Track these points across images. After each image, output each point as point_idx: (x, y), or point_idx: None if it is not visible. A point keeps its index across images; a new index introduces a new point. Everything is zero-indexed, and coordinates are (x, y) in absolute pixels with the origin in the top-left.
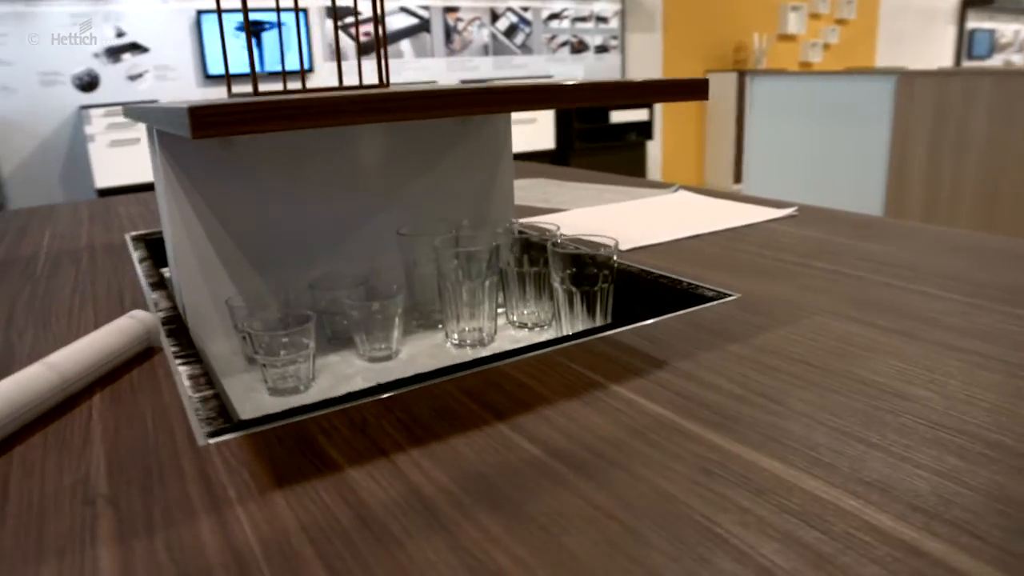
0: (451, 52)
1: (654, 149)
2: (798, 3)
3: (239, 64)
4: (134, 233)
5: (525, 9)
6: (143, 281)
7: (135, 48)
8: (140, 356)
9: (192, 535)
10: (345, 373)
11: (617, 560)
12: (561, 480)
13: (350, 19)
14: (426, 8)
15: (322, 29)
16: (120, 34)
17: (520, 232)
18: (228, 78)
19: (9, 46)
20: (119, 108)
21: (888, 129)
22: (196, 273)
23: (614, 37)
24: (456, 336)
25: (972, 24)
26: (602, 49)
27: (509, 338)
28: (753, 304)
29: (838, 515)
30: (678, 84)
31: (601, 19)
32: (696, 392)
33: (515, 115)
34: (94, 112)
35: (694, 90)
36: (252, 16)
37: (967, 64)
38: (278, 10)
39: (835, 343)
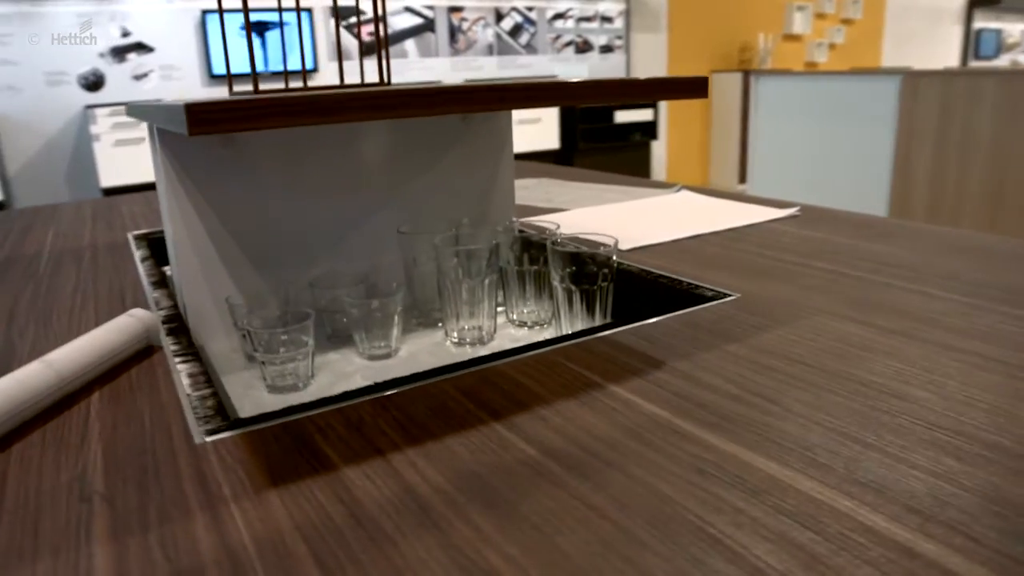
0: (455, 52)
1: (659, 149)
2: (804, 3)
3: (244, 63)
4: (136, 232)
5: (530, 9)
6: (144, 280)
7: (140, 48)
8: (140, 354)
9: (186, 533)
10: (344, 371)
11: (610, 560)
12: (555, 480)
13: (355, 19)
14: (431, 8)
15: (326, 29)
16: (125, 34)
17: (520, 231)
18: (229, 77)
19: (15, 46)
20: (124, 108)
21: (893, 129)
22: (196, 271)
23: (619, 37)
24: (456, 334)
25: (979, 24)
26: (607, 49)
27: (509, 336)
28: (752, 304)
29: (833, 516)
30: (677, 82)
31: (606, 19)
32: (693, 392)
33: (519, 115)
34: (99, 112)
35: (693, 88)
36: (257, 16)
37: (974, 64)
38: (280, 10)
39: (834, 343)
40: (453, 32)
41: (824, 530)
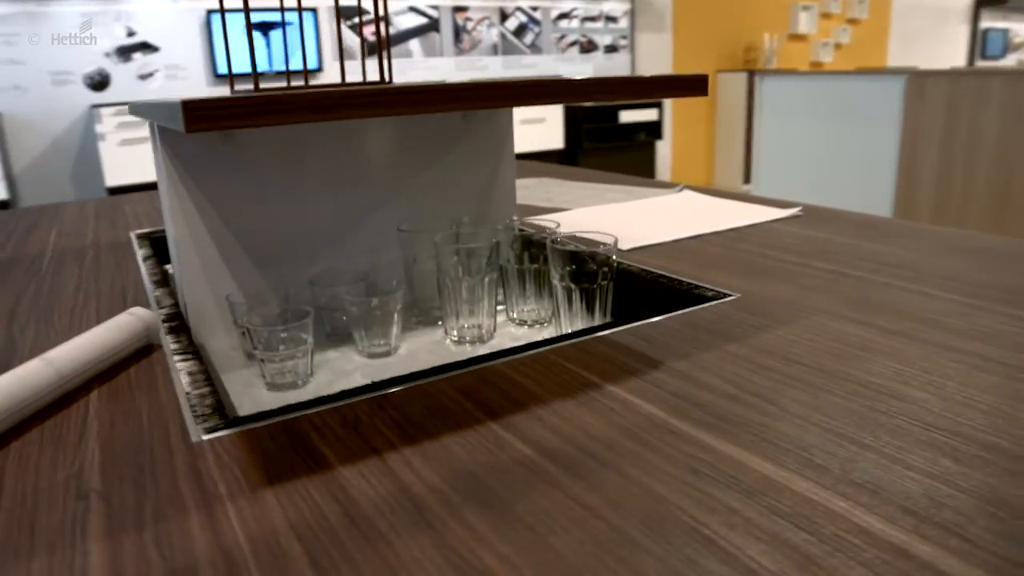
0: (460, 52)
1: (664, 149)
2: (809, 3)
3: (248, 63)
4: (139, 231)
5: (534, 9)
6: (146, 278)
7: (145, 47)
8: (139, 353)
9: (182, 531)
10: (344, 369)
11: (603, 560)
12: (551, 479)
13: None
14: (435, 8)
15: (330, 28)
16: (131, 33)
17: (520, 230)
18: (231, 76)
19: (21, 46)
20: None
21: (898, 129)
22: (197, 269)
23: (623, 37)
24: (456, 333)
25: (986, 24)
26: (611, 49)
27: (509, 335)
28: (752, 304)
29: (827, 517)
30: (678, 79)
31: (611, 19)
32: (690, 392)
33: (523, 114)
34: (104, 111)
35: (694, 86)
36: (262, 16)
37: (980, 64)
38: (282, 9)
39: (833, 344)
40: (457, 32)
41: (819, 531)
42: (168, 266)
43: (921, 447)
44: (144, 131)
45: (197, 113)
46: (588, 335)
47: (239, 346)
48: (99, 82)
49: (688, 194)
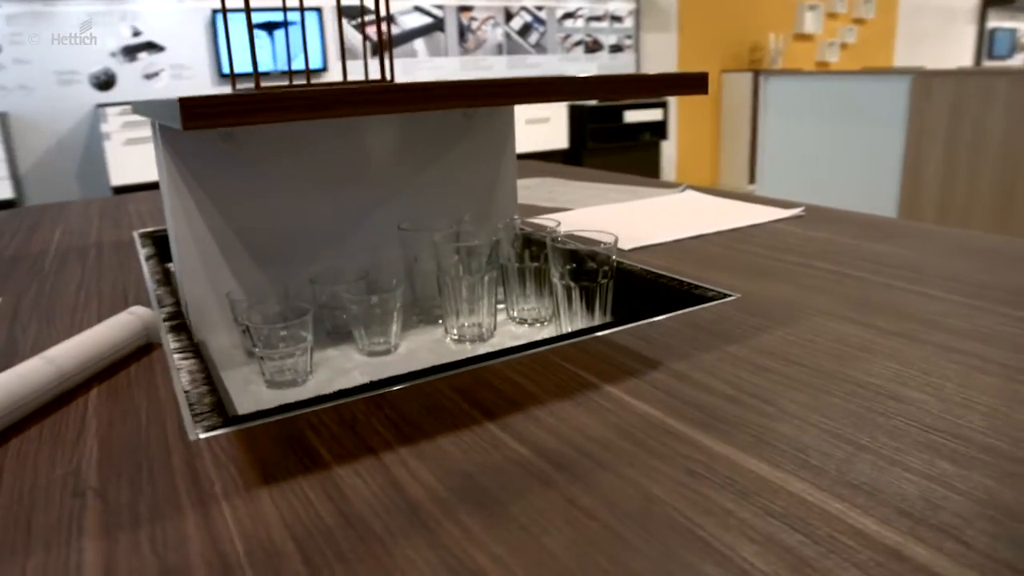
0: (465, 51)
1: (669, 149)
2: (815, 2)
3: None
4: (143, 230)
5: (539, 8)
6: (148, 277)
7: (151, 47)
8: (139, 351)
9: (176, 529)
10: (344, 367)
11: (596, 560)
12: (546, 480)
13: (367, 17)
14: (440, 7)
15: (335, 28)
16: (136, 33)
17: (521, 228)
18: (232, 75)
19: (27, 45)
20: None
21: (903, 130)
22: (198, 266)
23: (628, 36)
24: (456, 331)
25: (993, 23)
26: (616, 49)
27: (509, 334)
28: (752, 304)
29: (822, 518)
30: (678, 78)
31: (616, 18)
32: (688, 393)
33: (528, 114)
34: (110, 111)
35: (694, 84)
36: (268, 16)
37: (987, 64)
38: (284, 9)
39: (832, 344)
40: (462, 31)
41: (813, 532)
42: (170, 264)
43: (919, 448)
44: (149, 130)
45: (194, 111)
46: (587, 335)
47: (239, 344)
48: (105, 82)
49: (690, 194)
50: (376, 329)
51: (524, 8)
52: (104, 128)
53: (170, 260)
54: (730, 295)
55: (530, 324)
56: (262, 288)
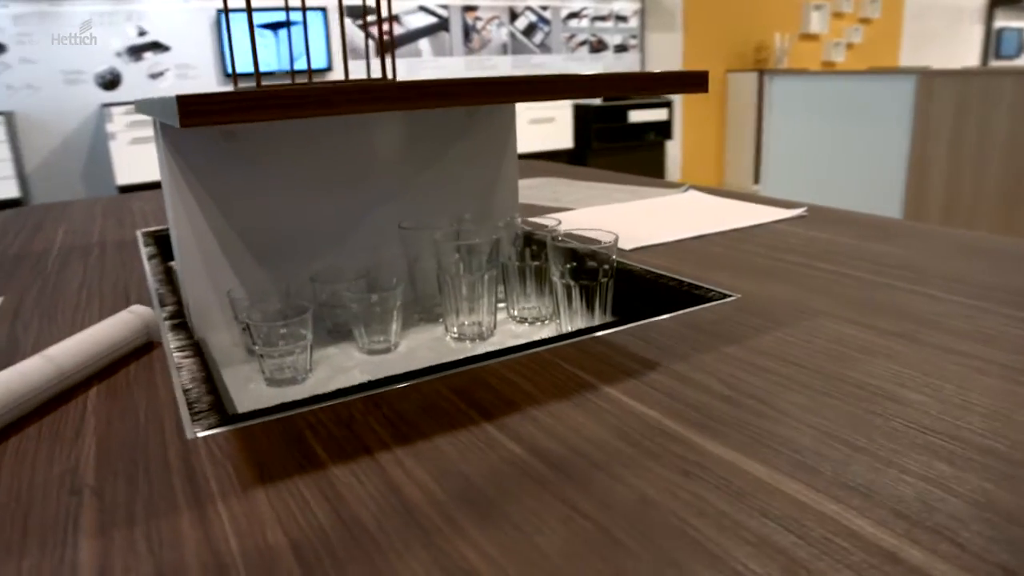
0: (470, 51)
1: (673, 149)
2: (821, 2)
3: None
4: (146, 229)
5: (544, 8)
6: (149, 276)
7: (156, 47)
8: (139, 350)
9: (172, 528)
10: (343, 365)
11: (588, 561)
12: (540, 480)
13: (371, 17)
14: (445, 7)
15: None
16: (142, 33)
17: (521, 227)
18: (235, 74)
19: (34, 45)
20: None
21: (908, 129)
22: (199, 265)
23: (633, 36)
24: (456, 330)
25: (1000, 23)
26: (621, 48)
27: (509, 332)
28: (752, 305)
29: (817, 520)
30: (678, 76)
31: (620, 18)
32: (686, 393)
33: (533, 114)
34: (115, 110)
35: (694, 82)
36: (273, 16)
37: (994, 64)
38: (287, 9)
39: (831, 345)
40: (467, 31)
41: (807, 534)
42: (173, 263)
43: (916, 450)
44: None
45: (191, 108)
46: (586, 335)
47: (240, 342)
48: (110, 81)
49: (693, 194)
50: (376, 327)
51: (529, 8)
52: (109, 127)
53: (172, 259)
54: (730, 295)
55: (530, 323)
56: (263, 286)
